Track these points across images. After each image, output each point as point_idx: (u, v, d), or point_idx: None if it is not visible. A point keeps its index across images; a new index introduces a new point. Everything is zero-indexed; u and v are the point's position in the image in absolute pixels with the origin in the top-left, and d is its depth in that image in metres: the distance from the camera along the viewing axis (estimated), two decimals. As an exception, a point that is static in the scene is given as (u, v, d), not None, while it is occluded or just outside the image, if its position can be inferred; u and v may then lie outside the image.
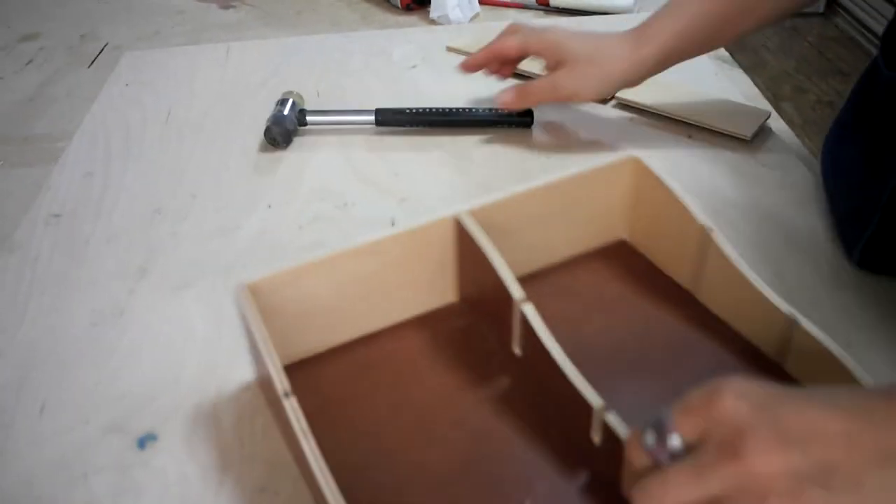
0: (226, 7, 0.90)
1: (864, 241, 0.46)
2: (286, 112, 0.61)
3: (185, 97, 0.69)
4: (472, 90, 0.68)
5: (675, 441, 0.27)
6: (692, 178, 0.56)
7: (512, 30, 0.58)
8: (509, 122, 0.62)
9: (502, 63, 0.61)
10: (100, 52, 0.80)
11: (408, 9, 0.86)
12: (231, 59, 0.75)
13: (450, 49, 0.75)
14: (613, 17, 0.82)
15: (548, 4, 0.85)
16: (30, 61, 0.79)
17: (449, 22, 0.82)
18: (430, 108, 0.62)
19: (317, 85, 0.70)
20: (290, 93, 0.64)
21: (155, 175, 0.59)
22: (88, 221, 0.54)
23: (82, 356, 0.44)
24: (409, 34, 0.79)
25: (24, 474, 0.37)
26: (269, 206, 0.55)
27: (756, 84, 0.71)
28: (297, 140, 0.62)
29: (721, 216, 0.52)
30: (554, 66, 0.56)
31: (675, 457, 0.27)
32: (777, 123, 0.64)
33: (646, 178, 0.44)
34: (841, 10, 2.21)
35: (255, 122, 0.65)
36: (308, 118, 0.62)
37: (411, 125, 0.62)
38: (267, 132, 0.60)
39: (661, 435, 0.27)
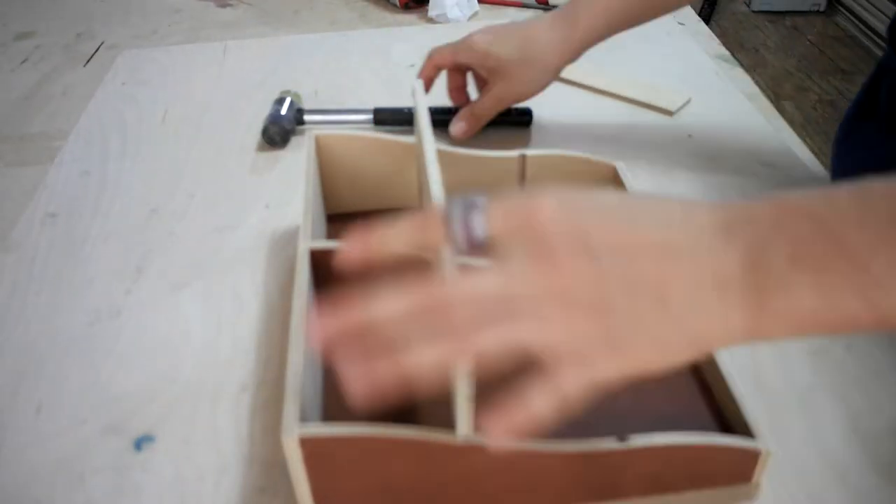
0: (223, 5, 0.89)
1: None
2: (284, 111, 0.61)
3: (182, 96, 0.69)
4: (471, 88, 0.68)
5: (479, 229, 0.26)
6: (691, 182, 0.56)
7: (441, 47, 0.57)
8: (509, 122, 0.61)
9: (450, 76, 0.59)
10: (96, 51, 0.80)
11: (406, 7, 0.85)
12: (228, 57, 0.75)
13: None
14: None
15: (547, 3, 0.84)
16: (25, 60, 0.78)
17: (447, 21, 0.81)
18: (429, 108, 0.61)
19: (315, 84, 0.70)
20: (288, 92, 0.64)
21: (152, 174, 0.59)
22: (85, 221, 0.54)
23: (79, 356, 0.43)
24: (407, 33, 0.79)
25: (20, 476, 0.37)
26: (267, 206, 0.55)
27: (757, 83, 0.71)
28: (294, 139, 0.62)
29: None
30: (488, 74, 0.55)
31: (473, 247, 0.26)
32: (778, 122, 0.64)
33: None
34: (842, 9, 2.21)
35: (252, 121, 0.64)
36: (306, 117, 0.61)
37: (409, 124, 0.61)
38: (265, 132, 0.60)
39: (468, 217, 0.26)
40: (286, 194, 0.56)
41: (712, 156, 0.58)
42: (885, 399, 0.39)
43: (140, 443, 0.39)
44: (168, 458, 0.38)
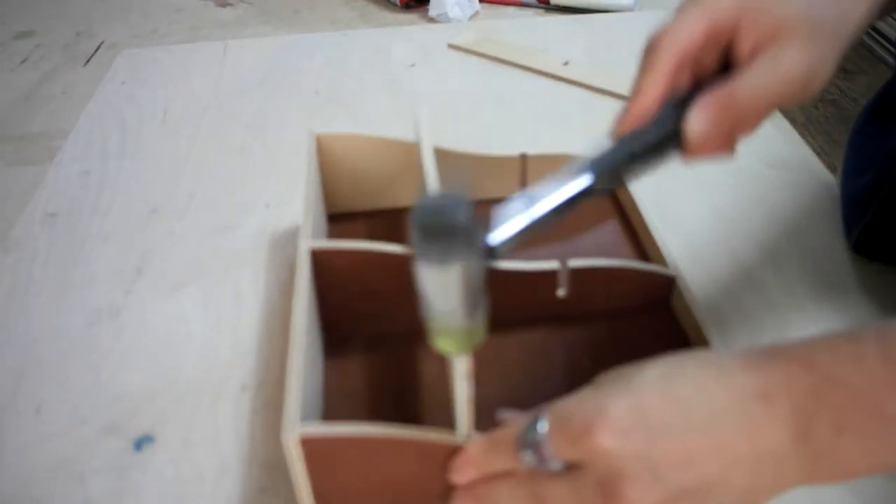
0: (223, 5, 0.89)
1: (862, 226, 0.46)
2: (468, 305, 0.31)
3: (182, 95, 0.68)
4: (471, 88, 0.68)
5: (555, 466, 0.28)
6: (693, 183, 0.56)
7: (672, 24, 0.32)
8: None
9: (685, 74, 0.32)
10: (96, 50, 0.80)
11: (406, 7, 0.85)
12: (228, 57, 0.75)
13: (452, 47, 0.75)
14: (614, 16, 0.82)
15: (548, 2, 0.84)
16: (25, 59, 0.78)
17: (448, 20, 0.81)
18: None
19: (315, 84, 0.70)
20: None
21: (152, 174, 0.58)
22: (85, 220, 0.54)
23: (79, 356, 0.43)
24: (407, 32, 0.79)
25: (20, 476, 0.37)
26: (267, 206, 0.55)
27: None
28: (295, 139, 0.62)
29: (723, 213, 0.52)
30: (754, 46, 0.30)
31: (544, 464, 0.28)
32: (780, 122, 0.64)
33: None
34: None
35: (252, 121, 0.64)
36: (501, 250, 0.30)
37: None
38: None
39: (539, 454, 0.28)
40: (286, 194, 0.55)
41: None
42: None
43: (140, 443, 0.38)
44: (168, 459, 0.37)
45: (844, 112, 1.75)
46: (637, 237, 0.47)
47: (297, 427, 0.30)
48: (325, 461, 0.31)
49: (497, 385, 0.39)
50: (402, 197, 0.50)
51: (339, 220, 0.50)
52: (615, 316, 0.42)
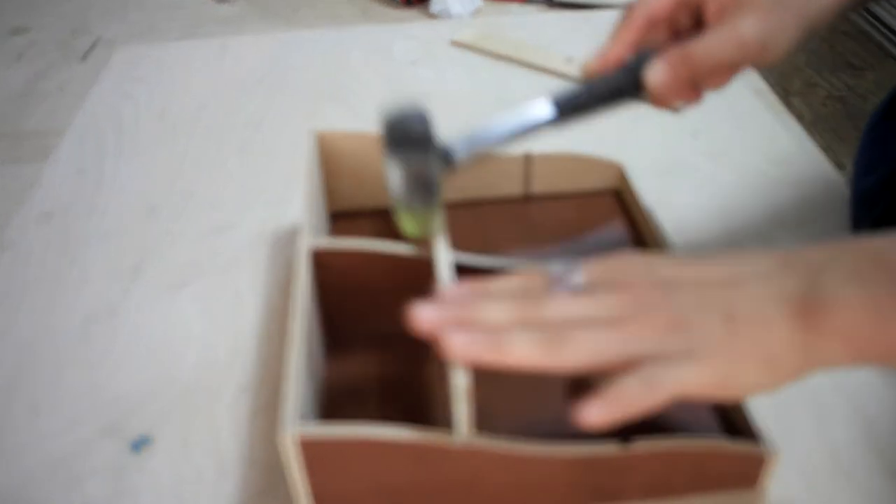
0: (222, 1, 0.89)
1: (870, 223, 0.47)
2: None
3: (180, 93, 0.68)
4: (473, 85, 0.67)
5: (577, 277, 0.30)
6: (698, 181, 0.55)
7: None
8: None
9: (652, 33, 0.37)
10: (92, 47, 0.79)
11: (408, 3, 0.85)
12: (227, 54, 0.74)
13: (455, 43, 0.74)
14: (616, 12, 0.81)
15: (548, -1, 0.84)
16: (20, 56, 0.77)
17: (450, 16, 0.81)
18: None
19: (315, 82, 0.69)
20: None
21: (149, 172, 0.58)
22: (81, 220, 0.53)
23: (76, 357, 0.43)
24: (409, 29, 0.78)
25: (17, 478, 0.37)
26: (267, 205, 0.54)
27: (765, 79, 0.70)
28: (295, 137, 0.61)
29: (728, 210, 0.51)
30: (721, 10, 0.35)
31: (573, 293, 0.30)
32: (786, 119, 0.64)
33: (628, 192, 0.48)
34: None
35: (251, 119, 0.64)
36: (457, 157, 0.36)
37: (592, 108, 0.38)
38: (402, 196, 0.36)
39: (568, 273, 0.30)
40: (286, 193, 0.55)
41: (719, 153, 0.58)
42: (894, 400, 0.38)
43: (138, 445, 0.38)
44: (166, 460, 0.37)
45: (852, 109, 1.74)
46: (642, 236, 0.46)
47: (295, 427, 0.29)
48: (322, 461, 0.31)
49: (496, 385, 0.39)
50: None
51: (341, 218, 0.50)
52: None
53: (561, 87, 0.36)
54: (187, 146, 0.61)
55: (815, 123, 1.68)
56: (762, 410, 0.33)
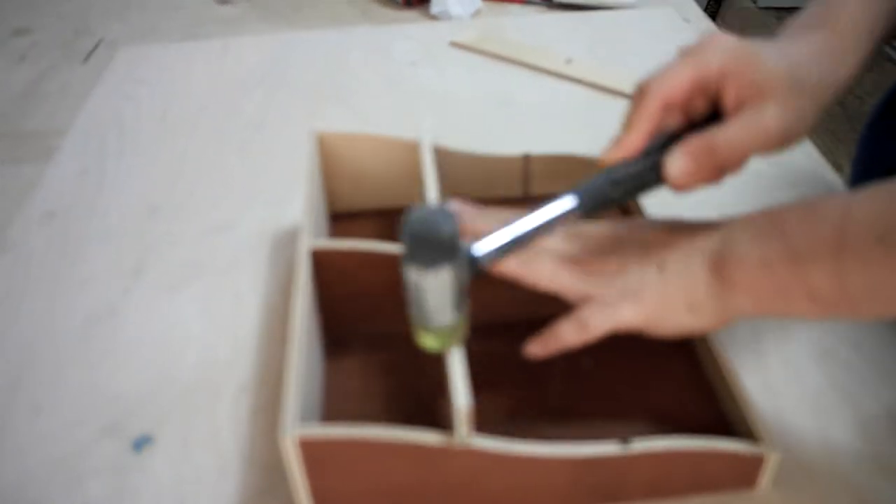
0: (223, 2, 0.89)
1: None
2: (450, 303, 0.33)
3: (181, 93, 0.68)
4: (473, 86, 0.67)
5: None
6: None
7: (682, 53, 0.35)
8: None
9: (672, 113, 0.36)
10: (94, 48, 0.79)
11: (408, 4, 0.85)
12: (228, 55, 0.74)
13: (454, 44, 0.74)
14: (616, 13, 0.81)
15: (550, 0, 0.84)
16: (22, 57, 0.77)
17: (450, 17, 0.81)
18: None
19: (315, 82, 0.69)
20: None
21: (150, 173, 0.58)
22: (83, 220, 0.53)
23: (77, 357, 0.43)
24: (409, 30, 0.78)
25: (18, 477, 0.37)
26: (267, 205, 0.54)
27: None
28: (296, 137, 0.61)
29: (726, 211, 0.51)
30: (744, 96, 0.34)
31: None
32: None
33: None
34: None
35: (252, 120, 0.64)
36: (481, 260, 0.34)
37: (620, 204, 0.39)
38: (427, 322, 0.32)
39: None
40: (286, 193, 0.55)
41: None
42: (894, 400, 0.38)
43: (139, 444, 0.38)
44: (167, 460, 0.37)
45: (850, 110, 1.75)
46: None
47: (295, 428, 0.30)
48: (322, 462, 0.31)
49: (497, 387, 0.39)
50: (404, 196, 0.49)
51: (341, 219, 0.50)
52: None
53: (583, 180, 0.35)
54: (188, 146, 0.61)
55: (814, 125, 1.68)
56: (760, 413, 0.34)
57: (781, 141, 0.34)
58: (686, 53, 0.35)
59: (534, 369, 0.37)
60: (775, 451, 0.33)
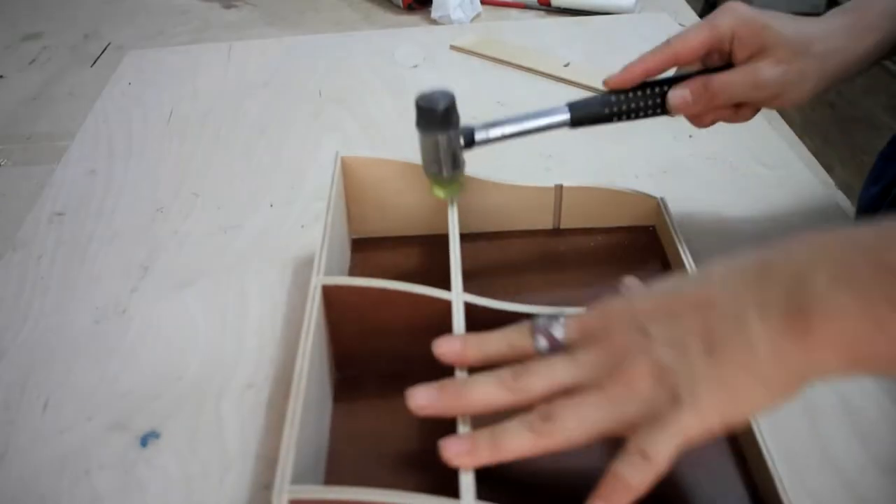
0: (228, 6, 0.90)
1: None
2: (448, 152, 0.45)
3: (187, 96, 0.69)
4: (473, 89, 0.68)
5: (558, 331, 0.30)
6: (689, 182, 0.56)
7: (705, 19, 0.41)
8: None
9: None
10: (102, 52, 0.81)
11: (409, 8, 0.86)
12: (233, 58, 0.76)
13: (453, 48, 0.75)
14: (615, 18, 0.82)
15: (549, 4, 0.85)
16: (33, 60, 0.79)
17: (450, 22, 0.82)
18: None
19: (318, 84, 0.70)
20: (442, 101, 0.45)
21: (157, 174, 0.59)
22: (91, 220, 0.54)
23: (85, 354, 0.44)
24: (410, 34, 0.79)
25: (27, 471, 0.38)
26: (272, 206, 0.55)
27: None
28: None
29: (721, 213, 0.52)
30: (753, 52, 0.40)
31: (554, 349, 0.31)
32: (778, 124, 0.64)
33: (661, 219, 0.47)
34: (842, 11, 2.20)
35: (257, 121, 0.65)
36: (477, 136, 0.41)
37: (609, 121, 0.43)
38: (426, 167, 0.42)
39: (550, 327, 0.31)
40: (290, 194, 0.56)
41: (711, 155, 0.58)
42: (885, 398, 0.39)
43: (145, 439, 0.39)
44: (173, 455, 0.38)
45: (840, 114, 1.76)
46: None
47: (286, 489, 0.29)
48: None
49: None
50: (428, 224, 0.47)
51: (364, 245, 0.48)
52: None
53: (580, 95, 0.41)
54: (194, 148, 0.62)
55: (806, 128, 1.69)
56: (793, 494, 0.31)
57: (776, 95, 0.40)
58: (706, 19, 0.40)
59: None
60: None
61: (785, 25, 0.40)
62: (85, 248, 0.52)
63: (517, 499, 0.32)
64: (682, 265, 0.42)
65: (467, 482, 0.28)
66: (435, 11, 0.82)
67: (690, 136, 0.61)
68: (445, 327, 0.35)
